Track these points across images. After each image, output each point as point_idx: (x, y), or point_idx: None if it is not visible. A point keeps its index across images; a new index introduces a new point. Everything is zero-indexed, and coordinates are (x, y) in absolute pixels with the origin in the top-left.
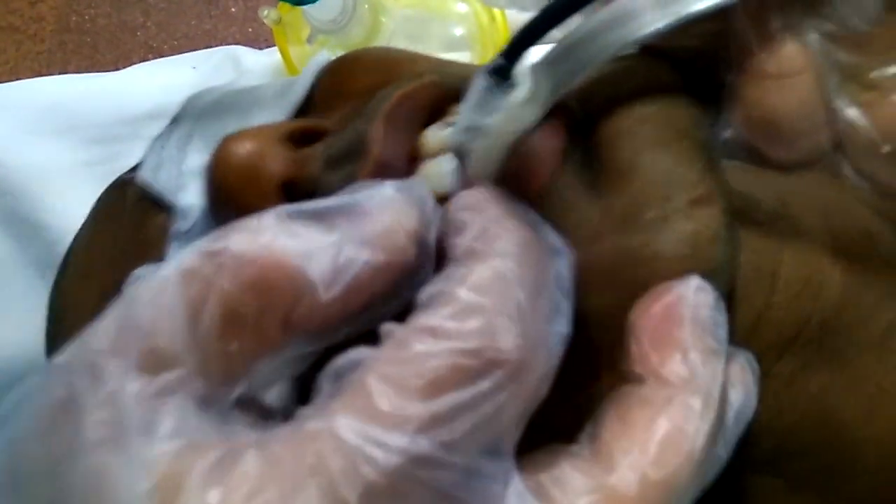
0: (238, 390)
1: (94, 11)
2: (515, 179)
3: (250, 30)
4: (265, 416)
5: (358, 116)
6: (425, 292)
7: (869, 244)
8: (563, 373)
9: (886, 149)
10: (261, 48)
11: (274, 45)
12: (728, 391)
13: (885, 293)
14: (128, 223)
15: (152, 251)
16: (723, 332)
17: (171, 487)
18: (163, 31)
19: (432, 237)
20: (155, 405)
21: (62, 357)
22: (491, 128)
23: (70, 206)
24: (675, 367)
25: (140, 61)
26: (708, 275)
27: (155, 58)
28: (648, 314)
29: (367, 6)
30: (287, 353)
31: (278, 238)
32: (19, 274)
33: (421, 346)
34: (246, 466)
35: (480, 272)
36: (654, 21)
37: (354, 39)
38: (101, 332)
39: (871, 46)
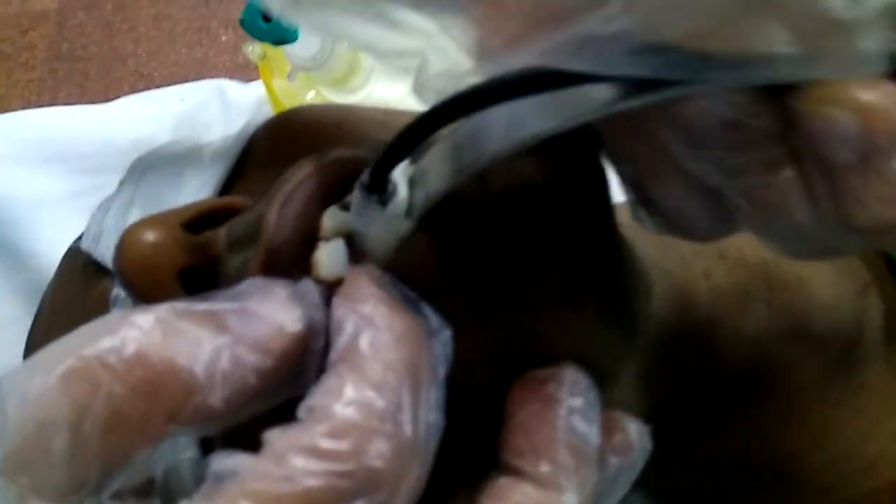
0: (117, 481)
1: (85, 40)
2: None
3: (241, 58)
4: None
5: (266, 194)
6: (304, 406)
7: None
8: (441, 460)
9: None
10: (252, 78)
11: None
12: (611, 467)
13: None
14: (77, 287)
15: (96, 315)
16: (595, 416)
17: None
18: (153, 59)
19: (320, 341)
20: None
21: None
22: (372, 235)
23: (58, 235)
24: (548, 470)
25: (130, 89)
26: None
27: (146, 85)
28: (526, 409)
29: (345, 43)
30: (167, 443)
31: (168, 338)
32: (6, 301)
33: (298, 463)
34: None
35: (353, 384)
36: (505, 141)
37: (335, 75)
38: None
39: None
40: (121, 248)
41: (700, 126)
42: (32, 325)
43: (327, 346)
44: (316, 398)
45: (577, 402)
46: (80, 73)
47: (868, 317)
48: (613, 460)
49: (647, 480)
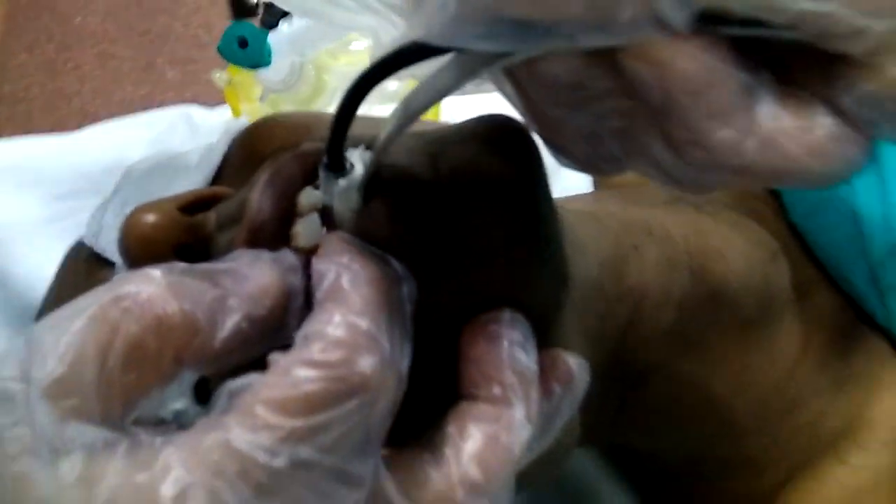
0: (135, 413)
1: (28, 80)
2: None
3: (188, 94)
4: (159, 428)
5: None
6: (300, 333)
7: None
8: (412, 386)
9: None
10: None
11: (219, 104)
12: (555, 394)
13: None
14: (80, 276)
15: None
16: (532, 347)
17: (93, 476)
18: (99, 97)
19: (298, 300)
20: (62, 425)
21: None
22: (336, 208)
23: (34, 258)
24: (498, 391)
25: (76, 128)
26: (534, 304)
27: (91, 124)
28: (475, 346)
29: (311, 66)
30: (176, 381)
31: (174, 287)
32: None
33: (300, 373)
34: (162, 453)
35: (340, 313)
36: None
37: (302, 96)
38: (10, 361)
39: None
40: (125, 228)
41: (552, 86)
42: (38, 315)
43: (306, 305)
44: (310, 326)
45: (516, 335)
46: (23, 114)
47: (777, 279)
48: (557, 388)
49: (591, 435)
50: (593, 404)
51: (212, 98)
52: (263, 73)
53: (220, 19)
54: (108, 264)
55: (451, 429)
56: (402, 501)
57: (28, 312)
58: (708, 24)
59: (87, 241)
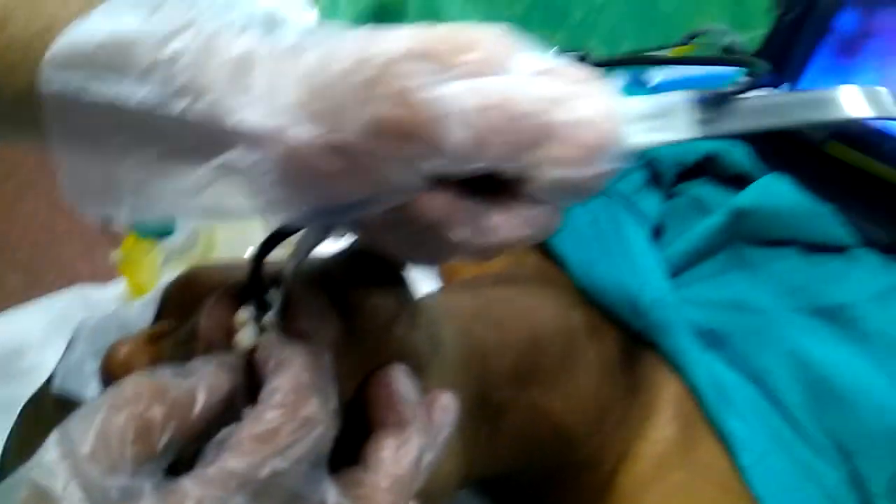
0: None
1: None
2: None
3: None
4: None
5: (194, 314)
6: (263, 391)
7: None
8: (343, 428)
9: None
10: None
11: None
12: (436, 420)
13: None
14: (48, 415)
15: None
16: (417, 394)
17: None
18: None
19: (241, 392)
20: (106, 477)
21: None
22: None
23: None
24: (398, 417)
25: None
26: (412, 355)
27: None
28: (378, 389)
29: (201, 230)
30: (169, 449)
31: (160, 382)
32: None
33: (268, 415)
34: (179, 485)
35: (287, 376)
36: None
37: (197, 254)
38: (50, 449)
39: None
40: (108, 357)
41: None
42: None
43: (250, 391)
44: (267, 388)
45: (404, 380)
46: None
47: (577, 322)
48: (439, 416)
49: (469, 471)
50: (468, 439)
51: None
52: (166, 240)
53: None
54: (75, 403)
55: (371, 448)
56: (343, 499)
57: None
58: (438, 180)
59: (56, 387)
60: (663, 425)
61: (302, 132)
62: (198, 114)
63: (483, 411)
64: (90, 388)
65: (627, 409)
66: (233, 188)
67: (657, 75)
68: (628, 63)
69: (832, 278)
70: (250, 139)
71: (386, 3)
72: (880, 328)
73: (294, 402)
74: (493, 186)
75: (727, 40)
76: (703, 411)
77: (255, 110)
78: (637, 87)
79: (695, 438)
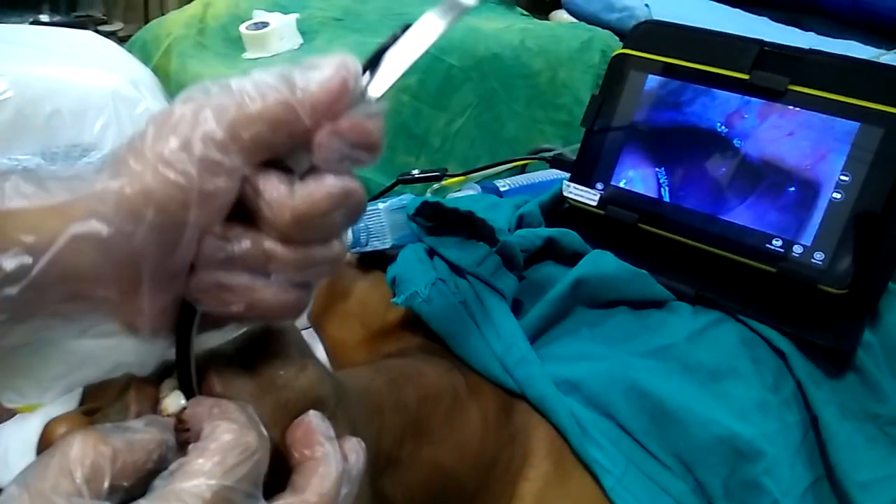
0: None
1: None
2: None
3: None
4: None
5: (119, 397)
6: (205, 431)
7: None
8: (273, 460)
9: None
10: None
11: None
12: (349, 460)
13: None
14: None
15: None
16: (331, 432)
17: None
18: None
19: (170, 444)
20: None
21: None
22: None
23: None
24: (320, 450)
25: None
26: (320, 404)
27: None
28: (300, 430)
29: None
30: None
31: (104, 435)
32: None
33: (224, 437)
34: None
35: (227, 417)
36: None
37: None
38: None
39: None
40: (46, 430)
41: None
42: None
43: (182, 445)
44: (209, 427)
45: (320, 422)
46: None
47: (457, 382)
48: (352, 456)
49: None
50: (373, 491)
51: None
52: None
53: None
54: None
55: (296, 477)
56: None
57: None
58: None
59: None
60: (539, 464)
61: None
62: None
63: (383, 465)
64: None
65: (511, 457)
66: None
67: (504, 184)
68: (475, 172)
69: (655, 327)
70: None
71: None
72: (698, 360)
73: (238, 430)
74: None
75: (556, 153)
76: (570, 446)
77: None
78: (490, 193)
79: (566, 470)
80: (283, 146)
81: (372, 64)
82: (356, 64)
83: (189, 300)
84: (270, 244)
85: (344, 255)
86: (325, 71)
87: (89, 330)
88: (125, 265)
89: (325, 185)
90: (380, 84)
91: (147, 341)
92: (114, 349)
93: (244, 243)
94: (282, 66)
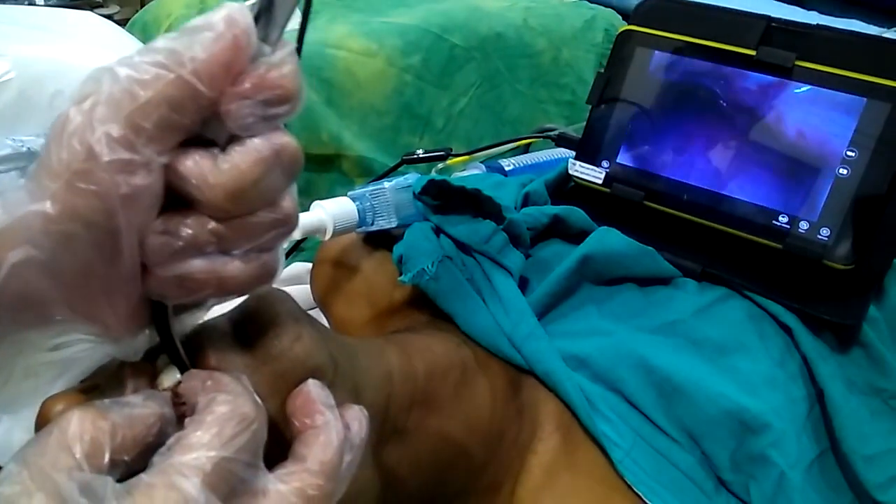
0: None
1: None
2: None
3: None
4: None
5: (116, 373)
6: (202, 401)
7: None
8: (273, 430)
9: None
10: None
11: None
12: (352, 428)
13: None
14: None
15: None
16: (331, 400)
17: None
18: None
19: (169, 418)
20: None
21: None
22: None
23: None
24: (320, 418)
25: None
26: (318, 373)
27: None
28: (300, 399)
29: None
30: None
31: (104, 409)
32: None
33: (220, 409)
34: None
35: (224, 386)
36: None
37: None
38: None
39: None
40: (43, 408)
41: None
42: None
43: (181, 419)
44: (206, 396)
45: (320, 390)
46: None
47: (465, 357)
48: (354, 424)
49: (385, 497)
50: (379, 459)
51: None
52: None
53: None
54: None
55: (297, 446)
56: (281, 485)
57: None
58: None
59: None
60: (547, 437)
61: None
62: None
63: (389, 433)
64: None
65: (519, 430)
66: None
67: (509, 163)
68: (480, 151)
69: (662, 303)
70: None
71: None
72: (705, 335)
73: (233, 401)
74: None
75: (560, 132)
76: (578, 420)
77: None
78: (495, 172)
79: (574, 444)
80: (193, 122)
81: (265, 8)
82: (246, 15)
83: (155, 299)
84: (214, 224)
85: (296, 210)
86: (211, 32)
87: (67, 338)
88: (75, 283)
89: (251, 152)
90: (277, 28)
91: (128, 339)
92: (98, 348)
93: (187, 232)
94: (170, 35)
